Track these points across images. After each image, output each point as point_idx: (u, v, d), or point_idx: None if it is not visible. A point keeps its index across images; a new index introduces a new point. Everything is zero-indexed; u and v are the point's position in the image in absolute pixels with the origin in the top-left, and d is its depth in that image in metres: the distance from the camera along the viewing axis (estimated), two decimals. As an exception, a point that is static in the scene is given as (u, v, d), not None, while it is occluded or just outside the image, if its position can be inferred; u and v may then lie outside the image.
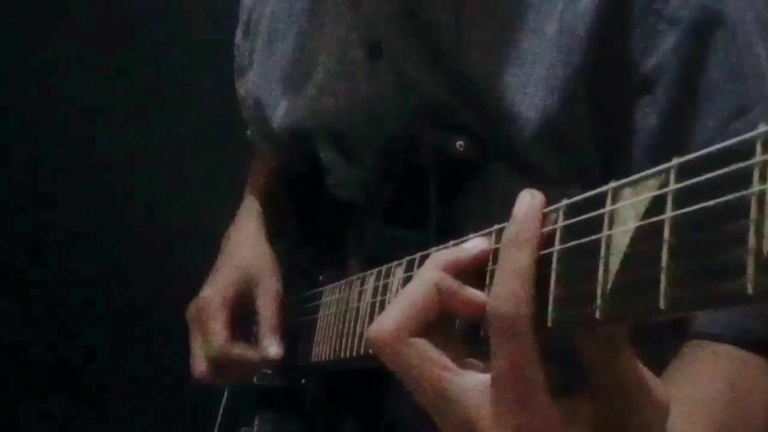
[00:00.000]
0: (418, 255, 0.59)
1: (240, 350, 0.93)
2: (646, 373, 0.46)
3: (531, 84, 0.73)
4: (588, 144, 0.73)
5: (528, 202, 0.46)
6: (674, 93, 0.69)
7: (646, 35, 0.69)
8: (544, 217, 0.45)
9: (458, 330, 0.51)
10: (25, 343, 1.86)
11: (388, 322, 0.49)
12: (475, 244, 0.50)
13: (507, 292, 0.44)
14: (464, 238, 0.52)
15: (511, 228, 0.46)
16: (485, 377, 0.47)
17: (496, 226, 0.49)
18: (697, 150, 0.35)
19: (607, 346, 0.45)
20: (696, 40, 0.68)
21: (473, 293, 0.48)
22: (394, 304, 0.50)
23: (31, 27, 1.82)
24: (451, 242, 0.54)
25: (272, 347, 0.91)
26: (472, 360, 0.49)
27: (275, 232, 1.04)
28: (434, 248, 0.56)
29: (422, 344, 0.48)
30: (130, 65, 1.85)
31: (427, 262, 0.51)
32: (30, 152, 1.85)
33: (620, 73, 0.70)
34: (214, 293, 0.97)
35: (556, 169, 0.74)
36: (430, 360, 0.48)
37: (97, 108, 1.84)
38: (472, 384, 0.47)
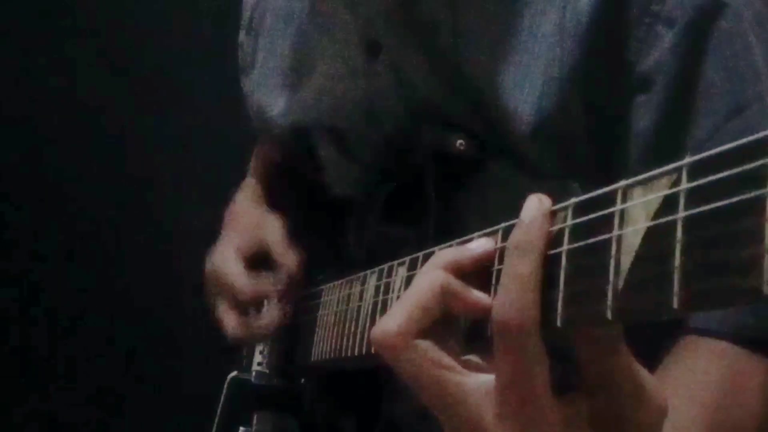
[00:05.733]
0: (420, 254, 0.58)
1: (264, 281, 0.91)
2: (643, 372, 0.46)
3: (528, 82, 0.73)
4: (584, 141, 0.73)
5: (535, 207, 0.45)
6: (671, 92, 0.69)
7: (643, 36, 0.69)
8: (553, 217, 0.44)
9: (464, 328, 0.50)
10: (25, 343, 1.85)
11: (392, 324, 0.48)
12: (479, 245, 0.50)
13: (511, 299, 0.44)
14: (469, 237, 0.51)
15: (516, 233, 0.45)
16: (488, 378, 0.47)
17: (502, 225, 0.49)
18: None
19: (604, 346, 0.45)
20: (693, 40, 0.68)
21: (477, 296, 0.48)
22: (397, 305, 0.49)
23: (33, 27, 1.81)
24: (456, 241, 0.52)
25: (290, 259, 0.90)
26: (471, 358, 0.49)
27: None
28: (436, 247, 0.55)
29: (426, 346, 0.48)
30: (133, 64, 1.85)
31: (430, 262, 0.50)
32: (30, 152, 1.85)
33: (617, 73, 0.70)
34: (223, 250, 0.95)
35: (554, 166, 0.74)
36: (433, 361, 0.48)
37: (101, 107, 1.84)
38: (475, 385, 0.47)
